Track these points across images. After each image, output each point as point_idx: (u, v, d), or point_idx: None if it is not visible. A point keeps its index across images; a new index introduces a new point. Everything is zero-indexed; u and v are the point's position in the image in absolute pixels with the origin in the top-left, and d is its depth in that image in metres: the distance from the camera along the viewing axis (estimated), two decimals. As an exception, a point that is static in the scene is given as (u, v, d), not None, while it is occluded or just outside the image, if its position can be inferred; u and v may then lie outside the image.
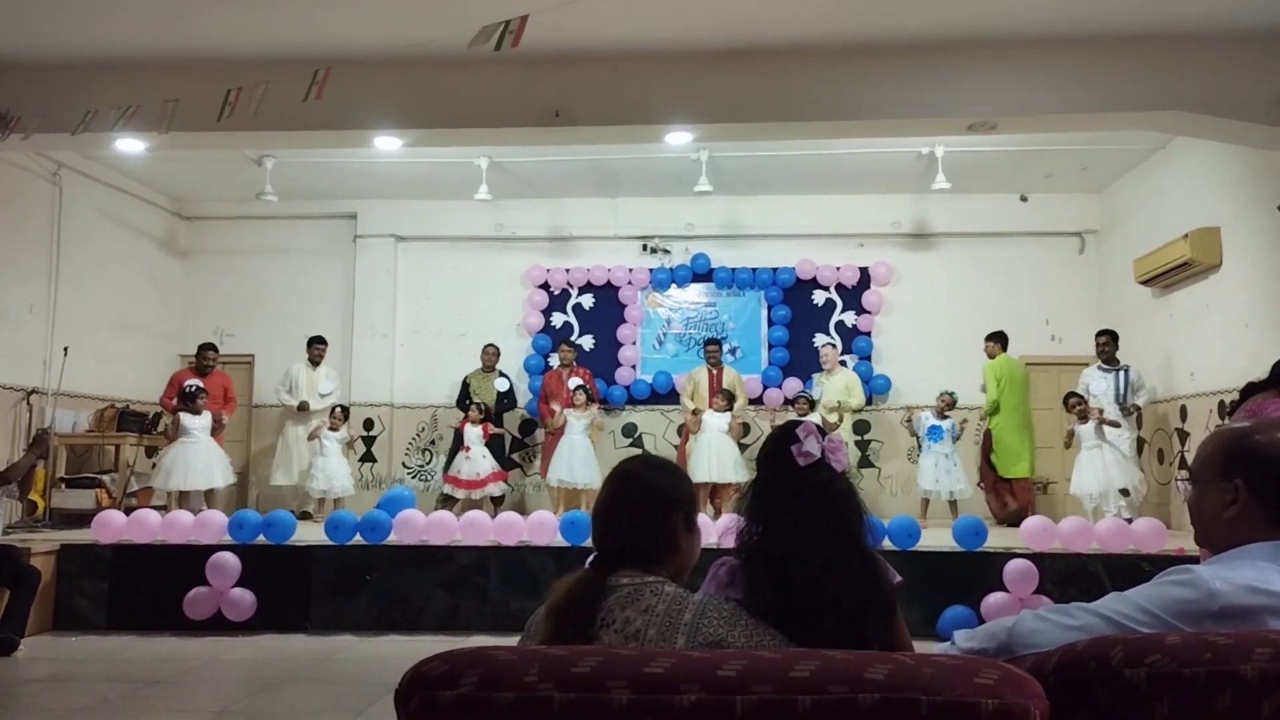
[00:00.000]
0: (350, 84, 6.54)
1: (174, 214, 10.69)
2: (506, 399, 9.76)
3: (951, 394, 8.68)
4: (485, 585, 6.64)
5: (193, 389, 8.52)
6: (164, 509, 7.82)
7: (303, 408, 9.34)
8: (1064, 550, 6.44)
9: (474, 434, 9.20)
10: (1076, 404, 7.99)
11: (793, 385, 9.92)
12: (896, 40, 6.62)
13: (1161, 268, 8.39)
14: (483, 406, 9.38)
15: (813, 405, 8.85)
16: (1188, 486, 1.86)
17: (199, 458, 8.32)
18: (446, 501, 8.97)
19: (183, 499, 8.23)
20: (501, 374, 9.78)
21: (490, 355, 9.76)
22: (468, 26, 5.88)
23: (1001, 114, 6.79)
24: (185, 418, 8.36)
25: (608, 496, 1.92)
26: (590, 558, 1.87)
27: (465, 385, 9.66)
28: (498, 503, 9.17)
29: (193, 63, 6.94)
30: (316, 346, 9.59)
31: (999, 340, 8.90)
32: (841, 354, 10.27)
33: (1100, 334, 8.47)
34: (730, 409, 8.86)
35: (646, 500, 1.89)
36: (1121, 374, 8.20)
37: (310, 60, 6.55)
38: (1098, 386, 8.27)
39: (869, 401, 9.96)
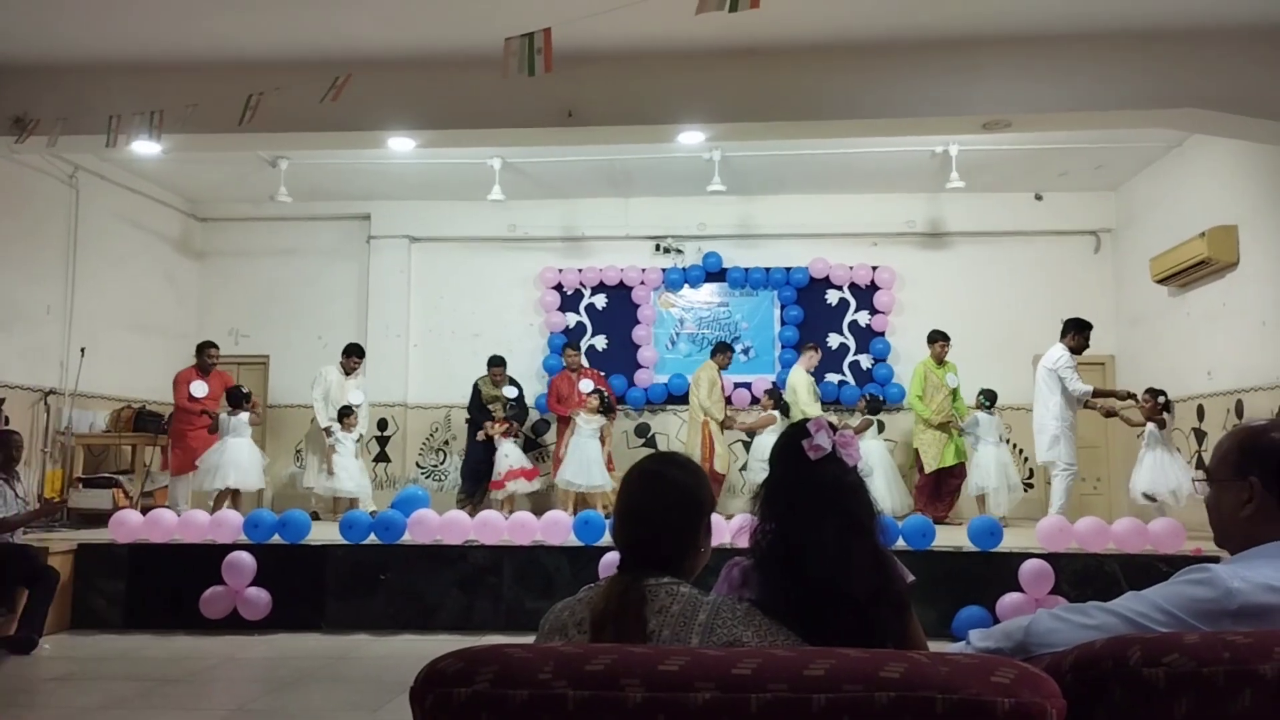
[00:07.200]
0: (365, 85, 6.55)
1: (189, 215, 10.75)
2: (516, 405, 9.62)
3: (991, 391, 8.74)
4: (499, 585, 6.66)
5: (244, 390, 8.69)
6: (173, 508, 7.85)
7: (334, 425, 9.13)
8: (1080, 551, 6.41)
9: (508, 443, 9.30)
10: (1150, 401, 7.83)
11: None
12: (909, 38, 6.60)
13: (1178, 266, 8.34)
14: (512, 407, 9.42)
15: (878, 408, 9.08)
16: (1205, 486, 1.85)
17: (244, 457, 8.44)
18: (501, 505, 9.00)
19: (222, 497, 8.32)
20: (511, 380, 9.67)
21: (499, 375, 9.55)
22: (481, 28, 5.91)
23: (1016, 112, 6.75)
24: (233, 418, 8.47)
25: (636, 498, 1.88)
26: (602, 561, 1.86)
27: (476, 391, 9.59)
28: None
29: (209, 65, 6.98)
30: (352, 359, 9.39)
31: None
32: (855, 353, 10.28)
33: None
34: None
35: (677, 504, 1.86)
36: None
37: (326, 62, 6.59)
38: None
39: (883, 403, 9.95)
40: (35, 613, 5.96)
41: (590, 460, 8.83)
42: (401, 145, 7.63)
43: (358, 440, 9.26)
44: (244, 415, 8.49)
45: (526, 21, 5.16)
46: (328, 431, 9.06)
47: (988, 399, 8.91)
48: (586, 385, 9.33)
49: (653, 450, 10.02)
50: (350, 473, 8.94)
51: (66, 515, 7.69)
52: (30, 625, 5.90)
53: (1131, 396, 7.83)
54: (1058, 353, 7.72)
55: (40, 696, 5.05)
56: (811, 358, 9.45)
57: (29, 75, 7.16)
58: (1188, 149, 8.61)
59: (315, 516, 8.66)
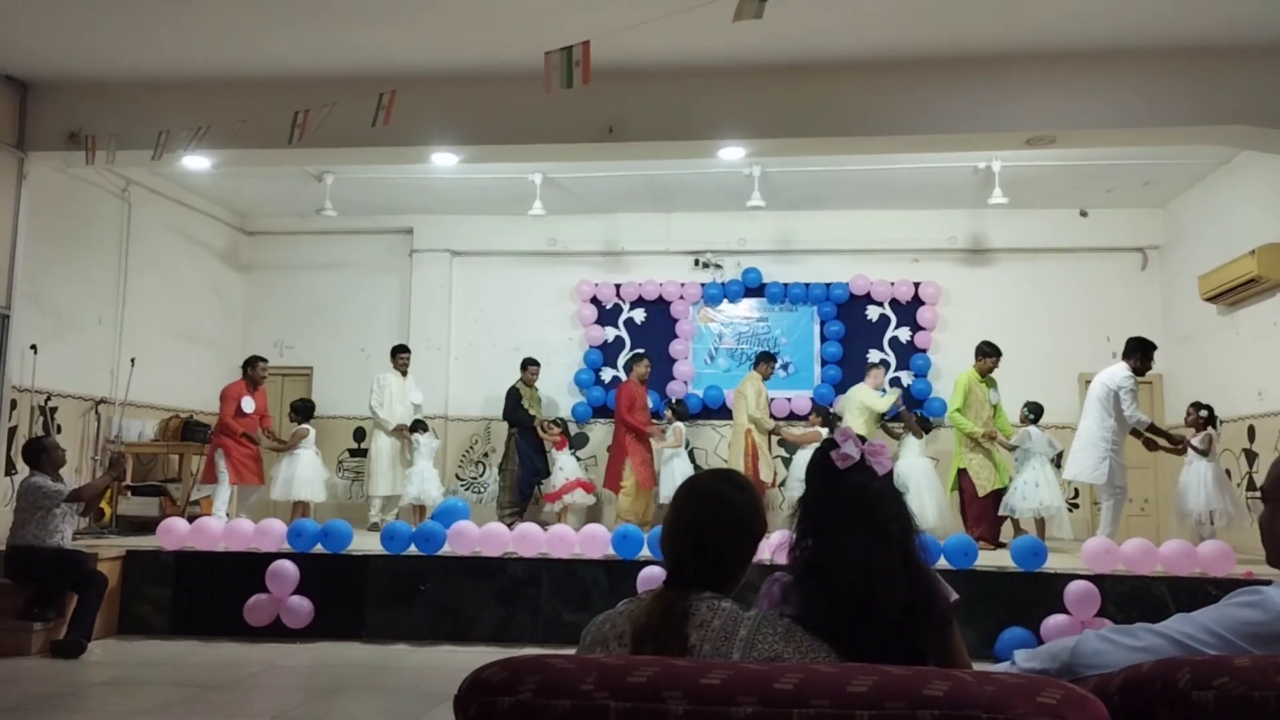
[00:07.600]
0: (410, 102, 6.66)
1: (237, 229, 10.96)
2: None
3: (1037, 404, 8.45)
4: (537, 597, 6.67)
5: (310, 404, 9.05)
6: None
7: (401, 429, 9.32)
8: (1127, 573, 6.29)
9: (563, 455, 9.46)
10: (1197, 418, 7.66)
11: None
12: (953, 53, 6.57)
13: (1227, 284, 8.19)
14: (561, 422, 9.65)
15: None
16: (1259, 506, 1.81)
17: (312, 469, 8.73)
18: (558, 515, 9.09)
19: (296, 508, 8.54)
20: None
21: (532, 374, 9.76)
22: (524, 45, 5.98)
23: (1061, 128, 6.69)
24: (303, 431, 8.80)
25: (689, 514, 1.86)
26: (640, 575, 1.86)
27: (518, 396, 9.65)
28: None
29: (258, 81, 7.13)
30: (402, 356, 9.58)
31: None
32: (896, 370, 10.20)
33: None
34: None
35: (734, 525, 1.84)
36: None
37: (372, 79, 6.70)
38: None
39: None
40: (84, 618, 6.09)
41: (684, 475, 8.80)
42: (445, 161, 7.74)
43: (434, 446, 9.43)
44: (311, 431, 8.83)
45: (568, 37, 5.23)
46: (401, 432, 9.24)
47: (1033, 412, 8.32)
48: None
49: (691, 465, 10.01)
50: (422, 479, 9.07)
51: (123, 476, 7.75)
52: (79, 630, 6.02)
53: (1184, 441, 7.53)
54: (1123, 373, 7.31)
55: (88, 700, 5.15)
56: (878, 375, 9.33)
57: (82, 91, 7.37)
58: (1237, 166, 8.47)
59: (375, 528, 8.68)
